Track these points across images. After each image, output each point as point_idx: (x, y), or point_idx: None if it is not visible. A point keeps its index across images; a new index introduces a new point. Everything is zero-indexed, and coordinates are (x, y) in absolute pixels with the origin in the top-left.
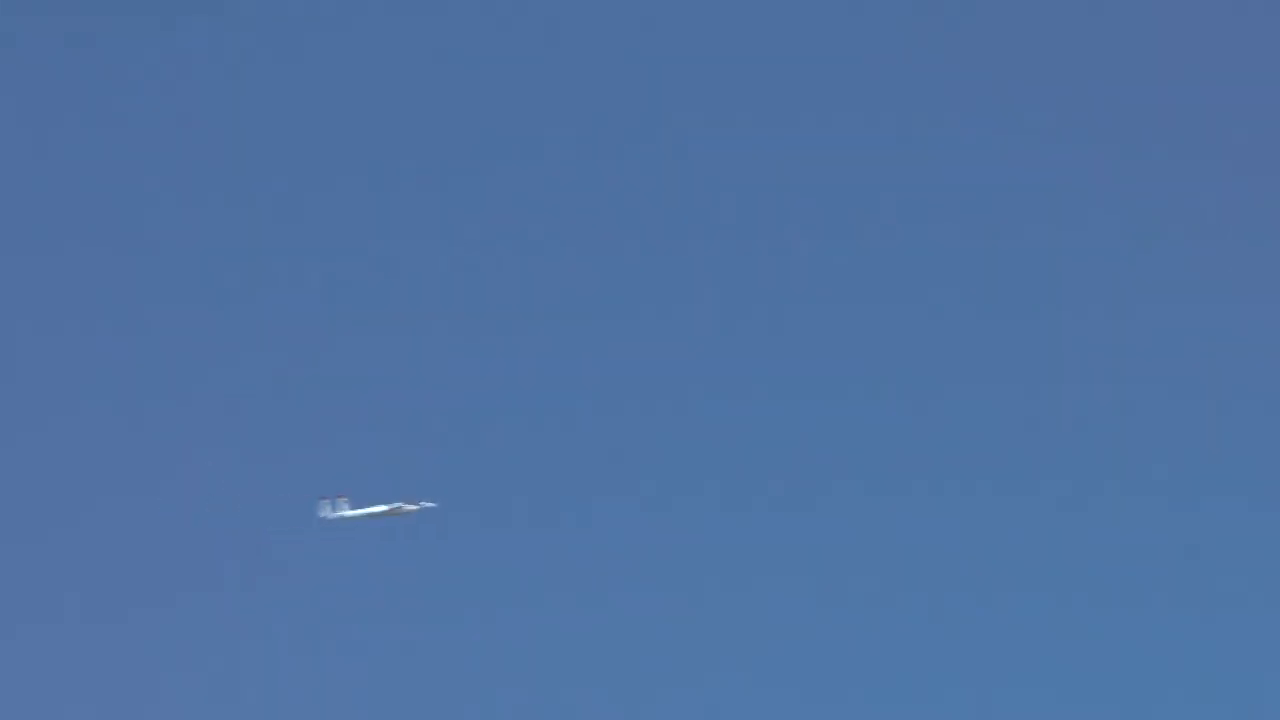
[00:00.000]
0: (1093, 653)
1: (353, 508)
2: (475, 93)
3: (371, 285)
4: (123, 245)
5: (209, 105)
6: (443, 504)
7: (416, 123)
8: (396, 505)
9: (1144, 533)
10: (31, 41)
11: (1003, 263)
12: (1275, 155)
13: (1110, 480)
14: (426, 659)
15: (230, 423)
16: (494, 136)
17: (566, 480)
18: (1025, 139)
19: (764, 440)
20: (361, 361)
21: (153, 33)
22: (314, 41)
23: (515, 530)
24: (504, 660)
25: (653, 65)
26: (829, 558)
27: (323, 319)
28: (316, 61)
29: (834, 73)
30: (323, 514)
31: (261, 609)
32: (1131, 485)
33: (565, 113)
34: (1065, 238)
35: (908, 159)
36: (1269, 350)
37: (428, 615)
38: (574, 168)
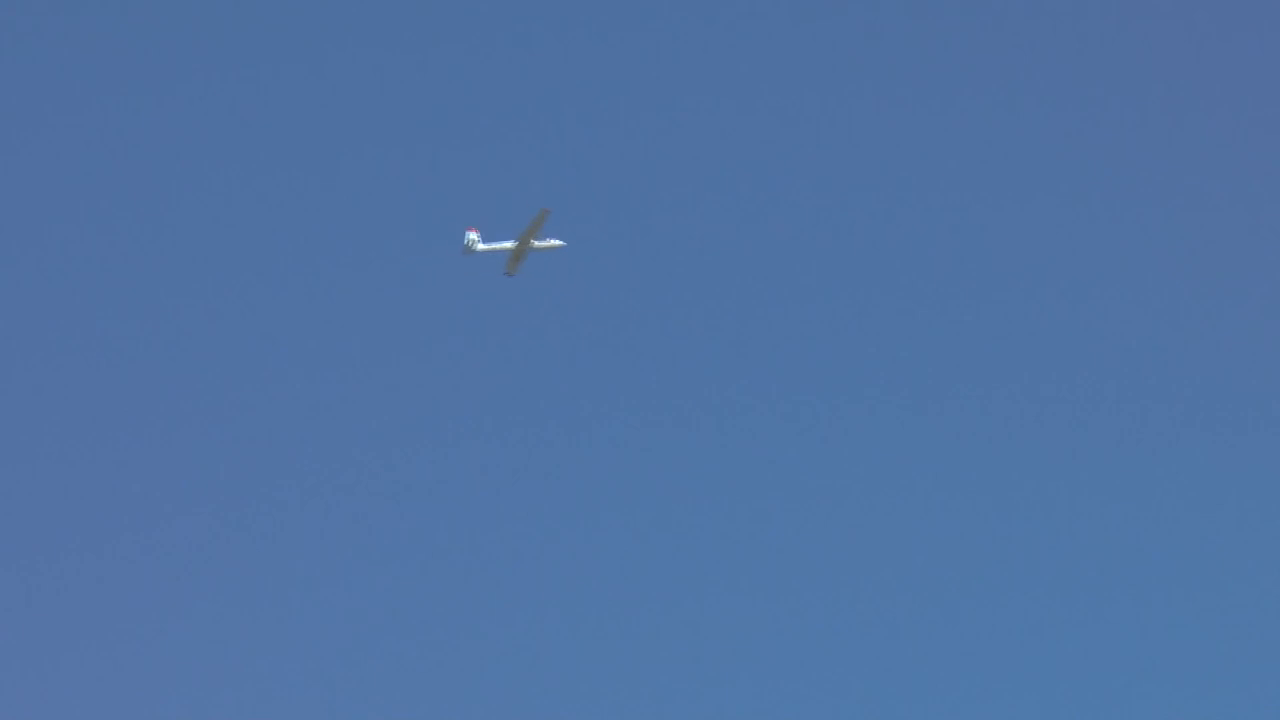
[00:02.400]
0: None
1: (485, 242)
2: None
3: None
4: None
5: (210, 104)
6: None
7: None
8: (529, 239)
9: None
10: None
11: (1002, 264)
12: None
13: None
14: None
15: None
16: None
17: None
18: (1026, 139)
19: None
20: None
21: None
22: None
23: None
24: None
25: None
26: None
27: None
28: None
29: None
30: (466, 245)
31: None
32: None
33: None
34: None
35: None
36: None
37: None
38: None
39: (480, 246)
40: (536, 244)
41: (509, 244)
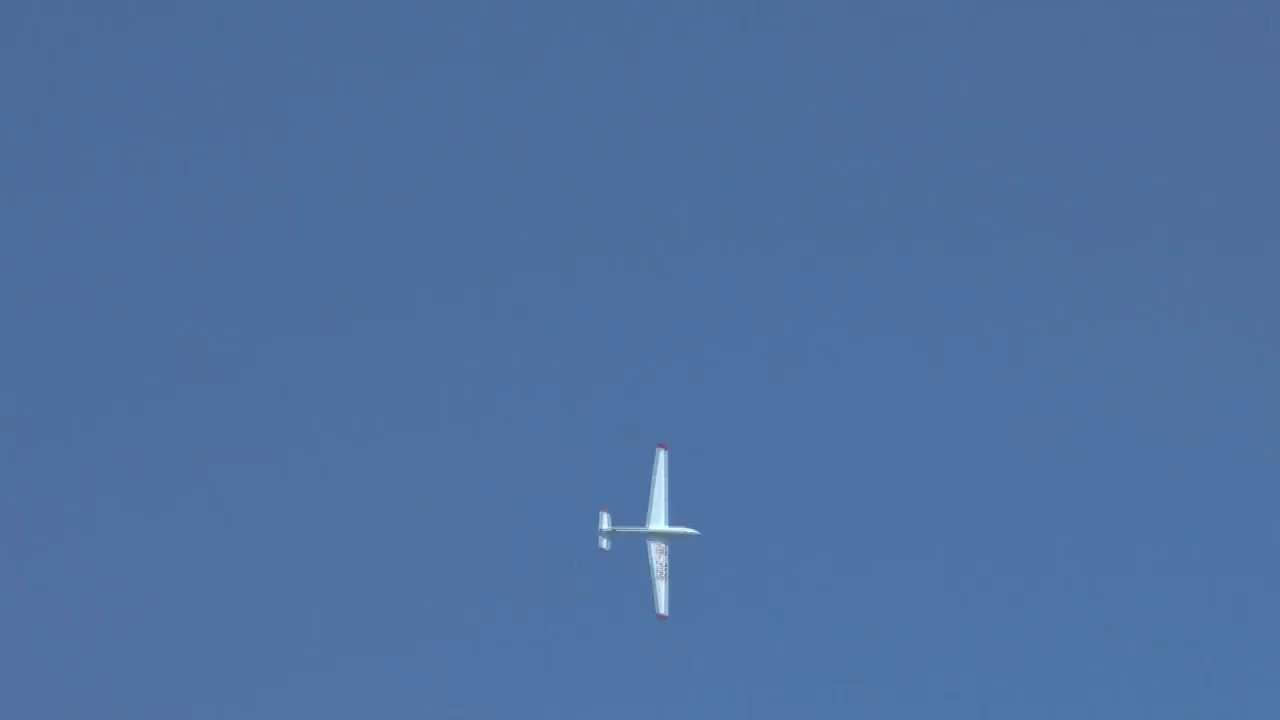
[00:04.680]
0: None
1: (614, 524)
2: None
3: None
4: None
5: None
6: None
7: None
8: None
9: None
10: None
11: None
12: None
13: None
14: None
15: None
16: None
17: None
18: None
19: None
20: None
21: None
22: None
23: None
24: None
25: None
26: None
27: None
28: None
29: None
30: (601, 527)
31: None
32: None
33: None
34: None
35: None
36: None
37: None
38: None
39: (609, 529)
40: (663, 529)
41: (648, 527)
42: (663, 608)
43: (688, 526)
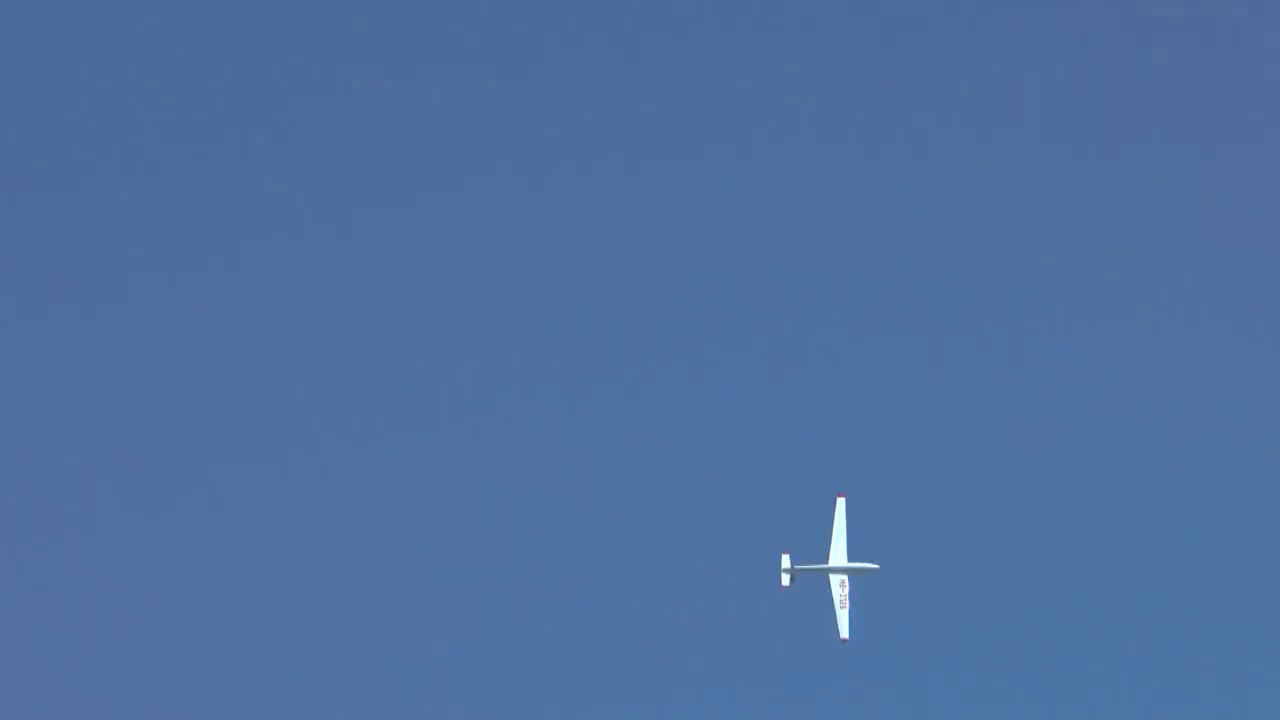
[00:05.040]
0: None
1: (795, 563)
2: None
3: None
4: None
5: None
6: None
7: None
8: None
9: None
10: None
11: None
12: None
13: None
14: None
15: None
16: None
17: None
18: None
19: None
20: None
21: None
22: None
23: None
24: None
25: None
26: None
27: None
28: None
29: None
30: (784, 569)
31: None
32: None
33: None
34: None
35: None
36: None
37: None
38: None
39: (793, 569)
40: (843, 565)
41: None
42: (845, 632)
43: (869, 562)
